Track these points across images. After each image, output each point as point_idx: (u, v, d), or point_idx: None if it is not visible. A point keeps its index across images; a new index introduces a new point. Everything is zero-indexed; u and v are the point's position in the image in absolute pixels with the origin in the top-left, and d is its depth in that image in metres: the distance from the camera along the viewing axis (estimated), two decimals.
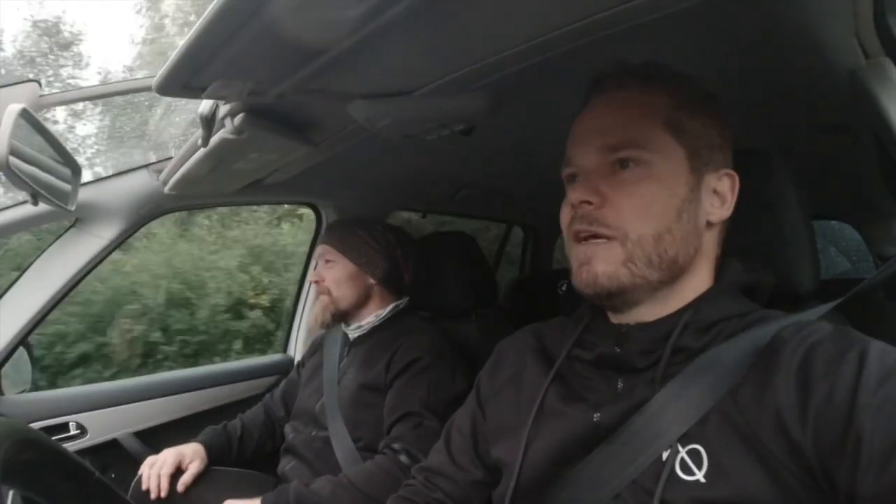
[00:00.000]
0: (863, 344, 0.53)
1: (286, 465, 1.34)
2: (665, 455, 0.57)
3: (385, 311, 1.42)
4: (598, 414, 0.63)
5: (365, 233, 1.43)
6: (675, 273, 0.63)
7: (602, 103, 0.67)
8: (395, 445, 1.18)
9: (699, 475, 0.55)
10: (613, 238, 0.62)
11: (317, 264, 1.47)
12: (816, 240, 0.77)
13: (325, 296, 1.40)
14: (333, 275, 1.40)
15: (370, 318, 1.41)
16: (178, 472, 1.25)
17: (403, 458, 1.15)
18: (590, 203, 0.63)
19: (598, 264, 0.62)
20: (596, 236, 0.63)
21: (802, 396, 0.52)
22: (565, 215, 0.67)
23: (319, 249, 1.46)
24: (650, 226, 0.61)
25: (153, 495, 1.20)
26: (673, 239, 0.62)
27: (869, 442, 0.47)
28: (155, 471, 1.22)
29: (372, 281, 1.42)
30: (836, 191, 1.80)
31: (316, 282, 1.42)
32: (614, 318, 0.69)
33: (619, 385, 0.64)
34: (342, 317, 1.42)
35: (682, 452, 0.56)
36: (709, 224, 0.65)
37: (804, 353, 0.55)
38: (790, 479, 0.51)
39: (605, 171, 0.64)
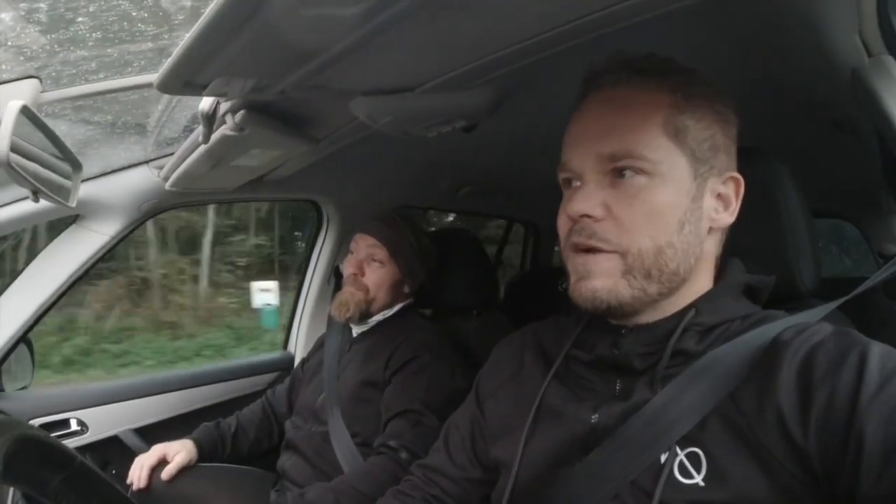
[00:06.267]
0: (863, 346, 0.52)
1: (286, 461, 1.34)
2: (663, 457, 0.56)
3: (393, 311, 1.41)
4: (597, 415, 0.63)
5: (415, 240, 1.41)
6: (674, 285, 0.62)
7: (597, 103, 0.63)
8: (393, 443, 1.18)
9: (698, 478, 0.54)
10: (613, 252, 0.60)
11: (353, 253, 1.41)
12: (818, 238, 0.76)
13: (360, 293, 1.35)
14: (378, 277, 1.37)
15: (378, 315, 1.41)
16: (164, 464, 1.26)
17: (403, 454, 1.15)
18: (589, 216, 0.60)
19: (596, 279, 0.60)
20: (595, 250, 0.61)
21: (804, 399, 0.52)
22: (563, 224, 0.65)
23: (367, 242, 1.39)
24: (651, 239, 0.59)
25: (135, 487, 1.22)
26: (674, 252, 0.60)
27: (870, 445, 0.47)
28: (138, 464, 1.24)
29: (407, 290, 1.42)
30: (837, 189, 1.79)
31: (354, 274, 1.37)
32: (613, 320, 0.67)
33: (618, 386, 0.64)
34: (366, 315, 1.39)
35: (681, 455, 0.56)
36: (710, 230, 0.63)
37: (805, 355, 0.54)
38: (791, 481, 0.51)
39: (603, 181, 0.61)
